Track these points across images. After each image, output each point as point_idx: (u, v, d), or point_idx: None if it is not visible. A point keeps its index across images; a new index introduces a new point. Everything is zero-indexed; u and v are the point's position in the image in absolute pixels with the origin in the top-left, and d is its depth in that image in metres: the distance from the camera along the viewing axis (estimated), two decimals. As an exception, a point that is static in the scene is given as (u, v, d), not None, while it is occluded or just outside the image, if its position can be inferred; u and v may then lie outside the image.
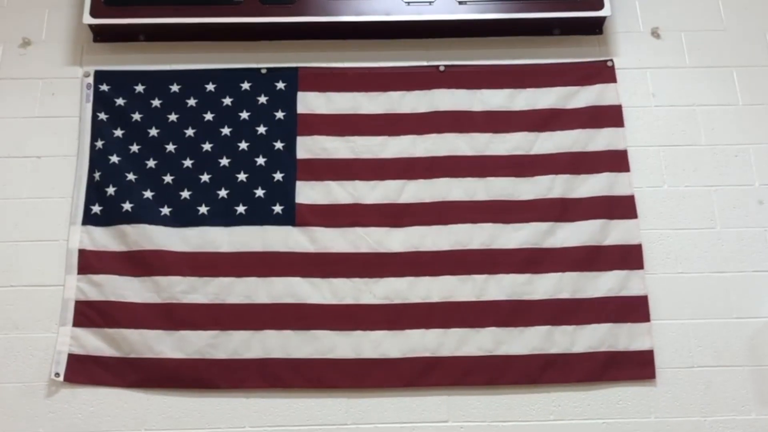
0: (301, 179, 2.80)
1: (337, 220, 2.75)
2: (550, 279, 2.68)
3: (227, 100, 2.90)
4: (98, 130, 2.85)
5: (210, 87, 2.92)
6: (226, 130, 2.86)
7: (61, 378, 2.57)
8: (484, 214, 2.76)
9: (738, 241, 2.76)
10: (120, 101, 2.89)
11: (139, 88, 2.92)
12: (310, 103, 2.90)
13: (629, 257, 2.70)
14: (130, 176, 2.79)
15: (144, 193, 2.77)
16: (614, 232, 2.73)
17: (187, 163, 2.82)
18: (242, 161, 2.82)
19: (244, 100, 2.90)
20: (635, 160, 2.83)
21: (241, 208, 2.76)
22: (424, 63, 2.98)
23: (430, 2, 2.93)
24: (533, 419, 2.57)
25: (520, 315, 2.64)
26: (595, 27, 3.01)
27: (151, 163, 2.82)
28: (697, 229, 2.77)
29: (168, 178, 2.80)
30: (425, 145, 2.85)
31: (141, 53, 2.98)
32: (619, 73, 2.95)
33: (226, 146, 2.84)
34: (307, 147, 2.84)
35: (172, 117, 2.88)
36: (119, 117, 2.87)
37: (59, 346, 2.60)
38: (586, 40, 3.02)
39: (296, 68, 2.94)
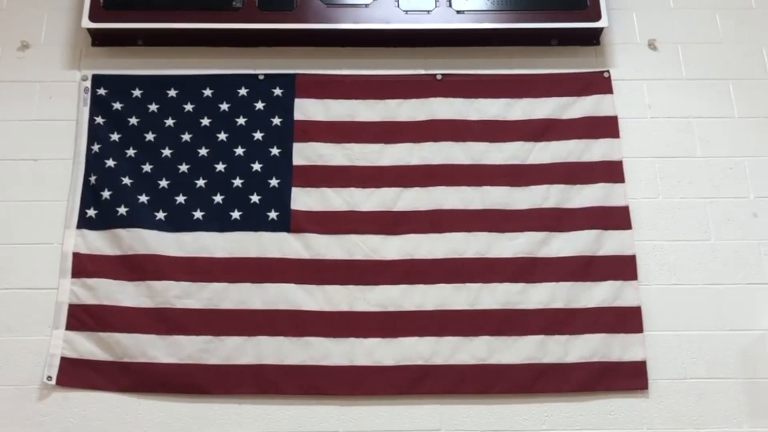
0: (296, 185, 2.80)
1: (332, 227, 2.75)
2: (544, 288, 2.68)
3: (224, 106, 2.90)
4: (95, 133, 2.85)
5: (207, 92, 2.92)
6: (222, 136, 2.87)
7: (54, 381, 2.57)
8: (479, 223, 2.76)
9: (732, 253, 2.76)
10: (117, 105, 2.89)
11: (137, 92, 2.92)
12: (307, 109, 2.90)
13: (623, 268, 2.71)
14: (126, 180, 2.79)
15: (139, 197, 2.77)
16: (608, 243, 2.73)
17: (183, 168, 2.82)
18: (238, 167, 2.83)
19: (241, 106, 2.90)
20: (630, 171, 2.84)
21: (236, 214, 2.76)
22: (422, 71, 2.98)
23: (428, 11, 2.94)
24: (526, 429, 2.57)
25: (513, 324, 2.64)
26: (593, 38, 3.02)
27: (146, 168, 2.82)
28: (691, 240, 2.78)
29: (163, 183, 2.80)
30: (422, 153, 2.86)
31: (139, 58, 2.98)
32: (615, 84, 2.95)
33: (222, 152, 2.84)
34: (304, 153, 2.84)
35: (169, 122, 2.88)
36: (116, 121, 2.87)
37: (52, 350, 2.60)
38: (584, 51, 3.02)
39: (294, 75, 2.94)
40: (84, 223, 2.74)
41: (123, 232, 2.71)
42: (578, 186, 2.80)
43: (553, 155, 2.85)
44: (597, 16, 2.94)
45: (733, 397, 2.59)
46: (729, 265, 2.75)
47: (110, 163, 2.81)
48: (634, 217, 2.78)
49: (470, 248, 2.74)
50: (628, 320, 2.65)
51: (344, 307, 2.67)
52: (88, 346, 2.61)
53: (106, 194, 2.77)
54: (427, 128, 2.89)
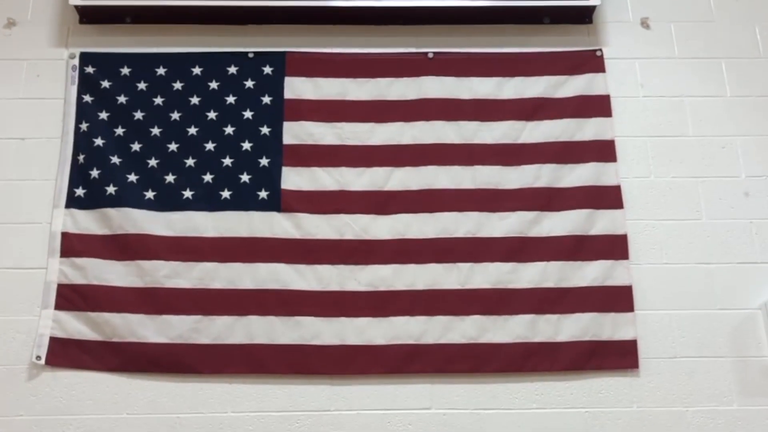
0: (287, 165, 2.78)
1: (322, 207, 2.74)
2: (535, 268, 2.67)
3: (213, 84, 2.88)
4: (83, 112, 2.83)
5: (196, 70, 2.89)
6: (212, 114, 2.84)
7: (43, 361, 2.55)
8: (470, 203, 2.75)
9: (723, 232, 2.76)
10: (105, 84, 2.87)
11: (125, 70, 2.89)
12: (297, 88, 2.88)
13: (615, 247, 2.70)
14: (115, 159, 2.77)
15: (128, 176, 2.75)
16: (600, 222, 2.73)
17: (173, 146, 2.80)
18: (228, 146, 2.81)
19: (231, 85, 2.87)
20: (622, 150, 2.83)
21: (226, 193, 2.75)
22: (413, 50, 2.96)
23: (419, -12, 2.92)
24: (516, 407, 2.57)
25: (504, 303, 2.64)
26: (585, 16, 3.00)
27: (135, 147, 2.80)
28: (682, 220, 2.77)
29: (153, 162, 2.78)
30: (413, 132, 2.84)
31: (127, 35, 2.95)
32: (607, 63, 2.94)
33: (211, 130, 2.82)
34: (294, 133, 2.83)
35: (158, 100, 2.86)
36: (104, 99, 2.85)
37: (41, 329, 2.58)
38: (576, 29, 3.01)
39: (284, 53, 2.92)
40: (72, 202, 2.72)
41: (112, 212, 2.70)
42: (570, 165, 2.79)
43: (544, 134, 2.84)
44: (589, -6, 2.92)
45: (723, 376, 2.60)
46: (720, 245, 2.74)
47: (99, 141, 2.79)
48: (626, 196, 2.77)
49: (461, 228, 2.73)
50: (619, 299, 2.65)
51: (335, 287, 2.66)
52: (77, 326, 2.60)
53: (94, 173, 2.74)
54: (418, 107, 2.87)
